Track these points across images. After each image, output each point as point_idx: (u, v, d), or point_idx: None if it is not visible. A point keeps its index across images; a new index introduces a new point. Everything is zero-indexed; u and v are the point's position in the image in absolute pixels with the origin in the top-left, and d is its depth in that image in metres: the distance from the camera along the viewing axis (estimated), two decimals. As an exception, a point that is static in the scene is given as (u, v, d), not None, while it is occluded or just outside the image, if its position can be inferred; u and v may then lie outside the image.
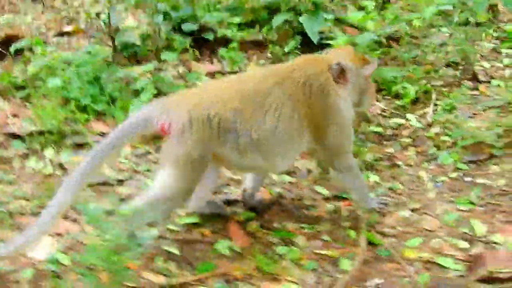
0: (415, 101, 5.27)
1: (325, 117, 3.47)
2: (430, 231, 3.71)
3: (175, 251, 3.38)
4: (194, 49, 5.86)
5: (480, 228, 3.68)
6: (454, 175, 4.26)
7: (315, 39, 5.63)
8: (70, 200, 3.15)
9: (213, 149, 3.26)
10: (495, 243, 3.55)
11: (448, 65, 5.78)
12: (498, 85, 5.45)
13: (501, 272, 3.21)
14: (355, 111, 3.70)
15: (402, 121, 5.01)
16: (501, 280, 3.20)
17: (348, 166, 3.61)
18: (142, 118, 3.33)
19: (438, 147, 4.58)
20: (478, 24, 6.51)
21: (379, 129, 4.90)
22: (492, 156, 4.46)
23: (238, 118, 3.27)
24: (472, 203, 3.95)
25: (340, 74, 3.51)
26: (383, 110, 5.18)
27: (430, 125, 4.91)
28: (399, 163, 4.50)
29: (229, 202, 3.86)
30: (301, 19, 5.75)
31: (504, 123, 4.67)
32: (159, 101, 3.45)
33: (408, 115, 5.05)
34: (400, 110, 5.15)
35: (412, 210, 3.91)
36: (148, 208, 3.24)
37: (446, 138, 4.66)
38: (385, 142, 4.78)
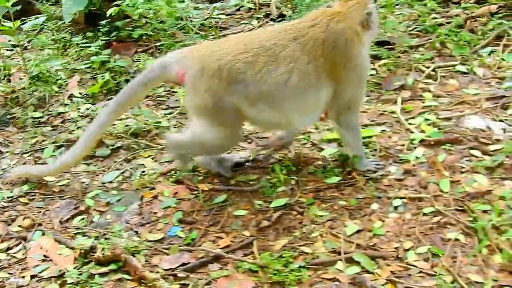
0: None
1: (347, 69, 3.53)
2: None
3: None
4: None
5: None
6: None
7: (67, 19, 5.69)
8: (101, 129, 3.89)
9: (224, 99, 3.44)
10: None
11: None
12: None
13: None
14: None
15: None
16: None
17: (352, 124, 3.68)
18: (160, 65, 3.66)
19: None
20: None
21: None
22: (89, 156, 4.35)
23: (248, 69, 3.40)
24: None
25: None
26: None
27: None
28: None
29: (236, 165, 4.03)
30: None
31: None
32: (178, 51, 3.74)
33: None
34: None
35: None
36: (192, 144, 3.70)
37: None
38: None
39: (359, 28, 3.53)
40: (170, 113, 4.78)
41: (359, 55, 3.53)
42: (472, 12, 5.71)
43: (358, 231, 3.42)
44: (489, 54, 5.06)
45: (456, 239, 3.27)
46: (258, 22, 6.23)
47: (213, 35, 5.85)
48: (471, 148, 3.91)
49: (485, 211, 3.40)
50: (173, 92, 5.10)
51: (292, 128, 3.82)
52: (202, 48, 3.59)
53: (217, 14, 6.41)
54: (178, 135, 3.85)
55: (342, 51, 3.47)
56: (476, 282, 3.01)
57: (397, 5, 6.02)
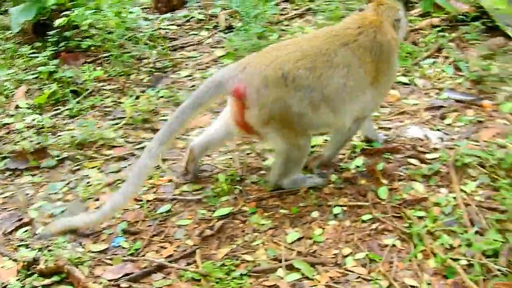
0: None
1: (386, 76, 3.73)
2: None
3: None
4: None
5: None
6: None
7: (15, 29, 5.66)
8: (153, 163, 3.55)
9: (292, 106, 3.43)
10: None
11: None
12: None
13: None
14: None
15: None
16: None
17: (356, 128, 3.84)
18: (215, 83, 3.50)
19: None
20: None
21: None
22: (34, 167, 4.34)
23: (310, 75, 3.42)
24: None
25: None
26: None
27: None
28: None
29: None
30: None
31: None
32: (229, 66, 3.63)
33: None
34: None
35: None
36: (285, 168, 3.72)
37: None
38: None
39: (395, 38, 3.72)
40: (116, 124, 4.79)
41: (395, 62, 3.78)
42: (415, 25, 5.86)
43: (298, 239, 3.50)
44: (430, 66, 5.21)
45: (393, 245, 3.39)
46: (208, 33, 6.28)
47: (162, 45, 5.88)
48: (409, 156, 4.04)
49: (420, 218, 3.53)
50: (119, 102, 5.12)
51: (341, 130, 3.81)
52: (256, 60, 3.53)
53: (167, 25, 6.44)
54: (273, 171, 3.82)
55: (385, 59, 3.66)
56: (411, 286, 3.13)
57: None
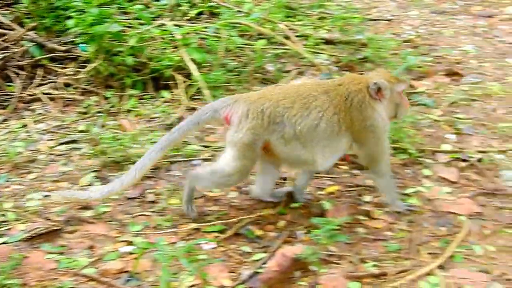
0: None
1: (363, 127, 4.02)
2: None
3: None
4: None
5: None
6: None
7: None
8: (159, 156, 4.12)
9: (263, 137, 3.94)
10: None
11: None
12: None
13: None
14: (393, 121, 4.36)
15: None
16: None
17: (382, 173, 4.17)
18: (212, 108, 4.10)
19: None
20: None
21: None
22: None
23: (286, 113, 3.93)
24: None
25: (377, 91, 4.05)
26: None
27: None
28: None
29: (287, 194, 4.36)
30: None
31: None
32: (228, 97, 4.15)
33: None
34: None
35: None
36: (209, 175, 4.11)
37: None
38: None
39: (367, 95, 4.03)
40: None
41: (371, 117, 4.03)
42: None
43: None
44: None
45: None
46: None
47: None
48: None
49: None
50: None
51: (314, 167, 4.15)
52: (247, 96, 4.10)
53: None
54: (199, 168, 4.39)
55: (357, 109, 4.01)
56: None
57: None
